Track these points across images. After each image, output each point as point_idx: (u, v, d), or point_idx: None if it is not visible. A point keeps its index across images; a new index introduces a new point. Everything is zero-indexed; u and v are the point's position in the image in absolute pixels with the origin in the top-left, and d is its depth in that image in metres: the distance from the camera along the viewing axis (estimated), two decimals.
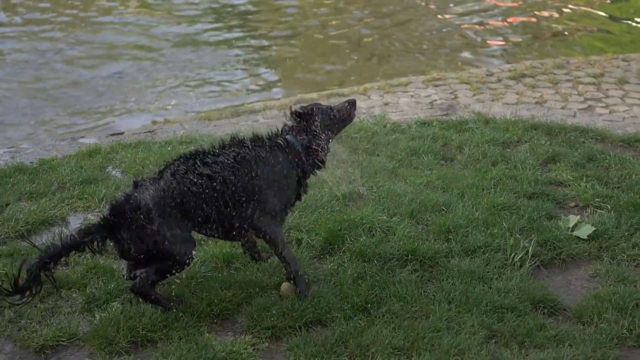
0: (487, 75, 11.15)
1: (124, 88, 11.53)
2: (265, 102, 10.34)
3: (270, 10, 16.01)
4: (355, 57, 13.23)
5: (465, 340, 5.04)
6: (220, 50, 13.42)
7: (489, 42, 14.02)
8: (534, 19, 15.50)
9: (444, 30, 14.75)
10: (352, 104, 5.79)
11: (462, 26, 15.03)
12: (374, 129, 8.52)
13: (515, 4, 16.38)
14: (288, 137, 5.58)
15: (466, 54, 13.34)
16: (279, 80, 12.26)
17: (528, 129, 8.58)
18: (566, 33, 14.47)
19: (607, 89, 10.45)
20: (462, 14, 15.83)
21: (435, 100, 10.12)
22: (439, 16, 15.70)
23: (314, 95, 10.49)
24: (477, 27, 14.95)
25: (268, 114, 9.70)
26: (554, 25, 14.94)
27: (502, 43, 13.96)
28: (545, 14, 15.93)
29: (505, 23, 15.19)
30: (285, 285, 5.54)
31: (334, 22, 15.13)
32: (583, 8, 16.25)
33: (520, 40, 13.98)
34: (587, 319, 5.37)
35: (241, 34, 14.40)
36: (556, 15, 15.86)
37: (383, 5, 16.40)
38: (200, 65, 12.55)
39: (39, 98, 11.14)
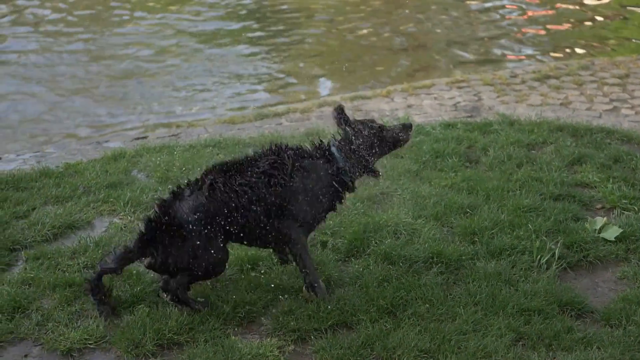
0: (511, 76, 11.09)
1: (148, 91, 11.57)
2: (288, 106, 10.33)
3: (297, 12, 16.00)
4: (382, 60, 13.19)
5: (492, 343, 5.01)
6: (247, 52, 13.44)
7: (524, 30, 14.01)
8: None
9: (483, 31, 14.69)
10: (409, 127, 5.69)
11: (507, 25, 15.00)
12: None
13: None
14: (333, 149, 5.55)
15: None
16: (302, 84, 12.24)
17: (553, 131, 8.52)
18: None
19: (632, 90, 10.37)
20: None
21: (459, 102, 10.08)
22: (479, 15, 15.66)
23: (337, 97, 10.48)
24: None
25: (291, 117, 9.70)
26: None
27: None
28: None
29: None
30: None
31: (364, 24, 15.10)
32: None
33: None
34: (615, 321, 5.33)
35: (265, 36, 14.41)
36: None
37: (420, 8, 16.35)
38: (225, 68, 12.56)
39: (63, 102, 11.20)
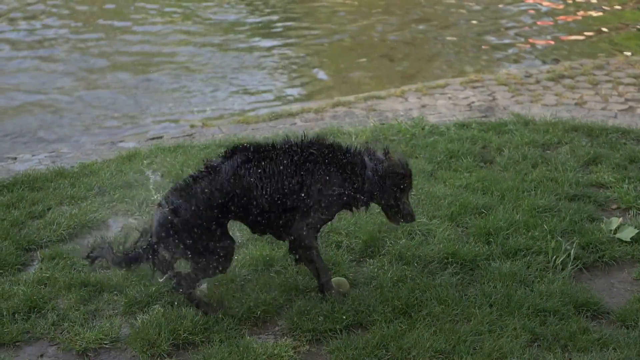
0: (526, 76, 11.07)
1: (162, 93, 11.59)
2: (302, 106, 10.34)
3: (310, 13, 16.00)
4: (395, 60, 13.18)
5: (508, 344, 5.00)
6: (258, 54, 13.45)
7: (533, 41, 13.93)
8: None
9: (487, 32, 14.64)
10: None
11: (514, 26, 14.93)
12: (412, 131, 8.49)
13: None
14: (365, 158, 5.47)
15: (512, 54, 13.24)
16: (316, 84, 12.23)
17: (568, 131, 8.49)
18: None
19: None
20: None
21: (474, 102, 10.06)
22: (483, 17, 15.62)
23: (351, 98, 10.47)
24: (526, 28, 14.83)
25: (305, 117, 9.70)
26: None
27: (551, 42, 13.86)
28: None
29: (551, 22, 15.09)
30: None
31: (375, 26, 15.08)
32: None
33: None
34: (631, 322, 5.31)
35: (279, 37, 14.42)
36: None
37: (430, 8, 16.32)
38: (238, 70, 12.58)
39: (78, 103, 11.24)
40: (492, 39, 14.26)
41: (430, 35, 14.46)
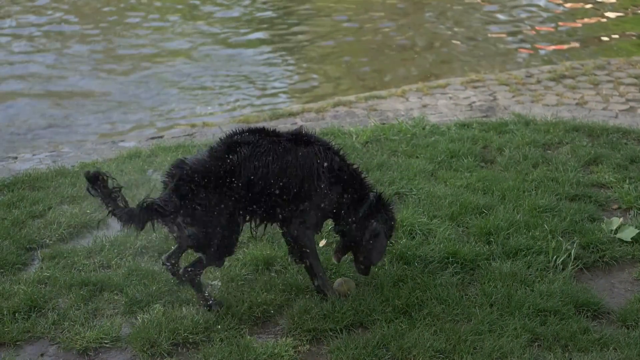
0: (527, 76, 11.05)
1: (164, 92, 11.58)
2: (303, 105, 10.33)
3: (322, 12, 15.97)
4: (398, 59, 13.15)
5: (508, 344, 5.01)
6: (263, 52, 13.44)
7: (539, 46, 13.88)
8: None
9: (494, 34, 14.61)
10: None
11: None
12: (412, 131, 8.48)
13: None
14: (371, 194, 5.51)
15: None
16: (327, 85, 12.20)
17: (569, 131, 8.48)
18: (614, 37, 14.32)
19: None
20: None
21: (474, 102, 10.05)
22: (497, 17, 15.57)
23: (352, 97, 10.46)
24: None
25: (306, 117, 9.70)
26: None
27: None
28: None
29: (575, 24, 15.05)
30: (337, 283, 5.56)
31: (390, 26, 15.04)
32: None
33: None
34: (631, 322, 5.32)
35: (288, 36, 14.39)
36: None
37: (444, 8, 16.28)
38: (240, 69, 12.57)
39: (79, 102, 11.25)
40: (510, 39, 14.21)
41: (446, 36, 14.42)
